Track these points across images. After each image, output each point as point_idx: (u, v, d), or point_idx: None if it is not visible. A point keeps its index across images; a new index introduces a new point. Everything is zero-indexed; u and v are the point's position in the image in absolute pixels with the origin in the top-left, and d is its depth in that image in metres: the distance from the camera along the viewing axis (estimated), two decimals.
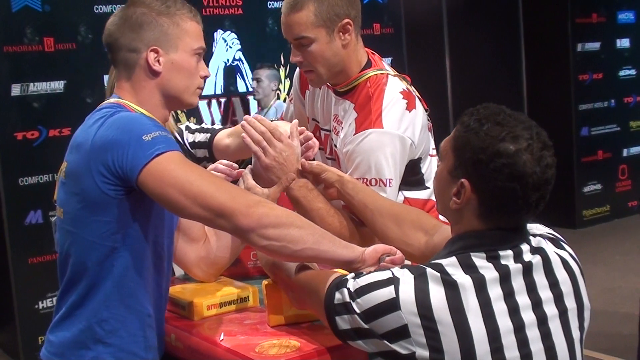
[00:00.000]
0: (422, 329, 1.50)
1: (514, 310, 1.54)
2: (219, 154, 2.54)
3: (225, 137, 2.52)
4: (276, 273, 1.89)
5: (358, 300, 1.57)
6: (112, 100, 1.89)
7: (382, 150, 2.12)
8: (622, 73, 7.83)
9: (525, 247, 1.61)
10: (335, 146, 2.30)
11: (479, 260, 1.56)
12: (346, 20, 2.18)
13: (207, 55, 5.51)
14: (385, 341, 1.54)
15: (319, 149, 2.30)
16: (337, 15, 2.17)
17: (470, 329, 1.50)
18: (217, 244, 2.21)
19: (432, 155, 2.29)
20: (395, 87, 2.21)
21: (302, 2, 2.16)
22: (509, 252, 1.58)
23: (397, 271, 1.58)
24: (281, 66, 5.82)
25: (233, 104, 5.74)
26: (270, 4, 5.69)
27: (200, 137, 2.89)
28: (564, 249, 1.69)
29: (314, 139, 2.20)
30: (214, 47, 5.61)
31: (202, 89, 1.97)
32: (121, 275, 1.80)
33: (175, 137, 2.86)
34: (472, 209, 1.58)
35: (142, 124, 1.76)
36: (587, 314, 1.67)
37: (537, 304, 1.57)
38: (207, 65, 5.67)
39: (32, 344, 4.70)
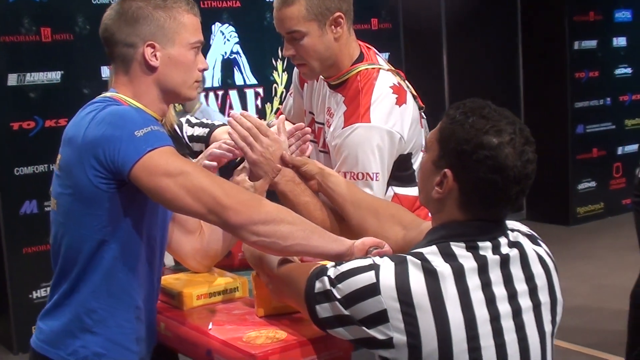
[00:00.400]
0: (401, 314, 1.53)
1: (490, 301, 1.58)
2: None
3: (223, 133, 2.54)
4: (259, 266, 1.92)
5: (339, 285, 1.60)
6: (107, 94, 1.90)
7: (369, 144, 2.14)
8: (618, 71, 7.84)
9: (503, 240, 1.65)
10: (327, 138, 2.32)
11: (459, 250, 1.60)
12: (338, 14, 2.20)
13: (204, 48, 5.54)
14: (364, 327, 1.57)
15: (312, 141, 2.32)
16: (329, 8, 2.19)
17: (447, 315, 1.53)
18: (211, 236, 2.24)
19: (424, 151, 2.30)
20: (385, 81, 2.22)
21: None
22: (488, 244, 1.62)
23: (378, 259, 1.62)
24: (279, 59, 5.84)
25: (230, 97, 5.75)
26: None
27: (199, 131, 2.91)
28: (540, 245, 1.74)
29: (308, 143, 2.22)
30: (211, 40, 5.63)
31: (200, 82, 1.98)
32: (111, 267, 1.81)
33: (175, 129, 2.88)
34: (453, 199, 1.62)
35: (134, 118, 1.76)
36: (559, 309, 1.72)
37: (512, 296, 1.61)
38: (205, 58, 5.71)
39: (26, 334, 4.71)
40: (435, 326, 1.53)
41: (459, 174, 1.59)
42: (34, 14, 4.88)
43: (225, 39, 5.69)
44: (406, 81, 2.32)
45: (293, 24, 2.19)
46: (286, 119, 2.27)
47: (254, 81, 5.84)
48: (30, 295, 4.91)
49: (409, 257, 1.59)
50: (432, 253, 1.59)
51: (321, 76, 2.34)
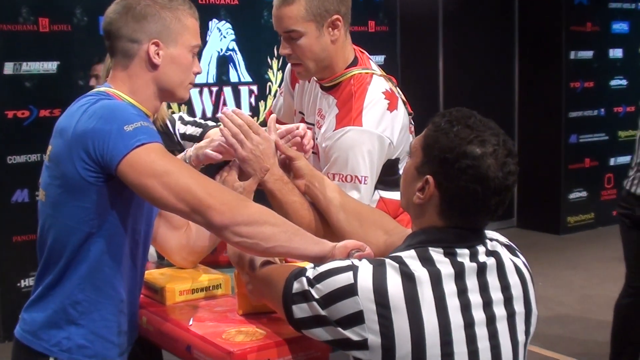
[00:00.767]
0: (377, 315, 1.55)
1: (465, 307, 1.60)
2: None
3: (216, 134, 2.55)
4: (240, 265, 1.93)
5: (317, 285, 1.61)
6: (101, 88, 1.92)
7: (359, 147, 2.16)
8: (613, 83, 7.86)
9: (481, 249, 1.67)
10: (317, 139, 2.34)
11: (437, 255, 1.62)
12: (336, 17, 2.22)
13: (201, 44, 5.55)
14: (339, 328, 1.59)
15: (314, 153, 2.33)
16: (327, 10, 2.21)
17: (422, 319, 1.55)
18: (197, 233, 2.25)
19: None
20: (378, 87, 2.24)
21: None
22: (466, 251, 1.64)
23: (357, 261, 1.64)
24: (274, 58, 5.86)
25: (224, 94, 5.76)
26: None
27: (191, 130, 2.92)
28: (518, 256, 1.76)
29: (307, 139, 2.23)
30: (208, 36, 5.63)
31: (193, 84, 2.01)
32: (97, 260, 1.83)
33: (167, 125, 2.89)
34: (434, 206, 1.64)
35: (125, 113, 1.78)
36: (534, 320, 1.73)
37: (487, 304, 1.63)
38: (201, 54, 5.70)
39: (13, 322, 4.66)
40: (409, 329, 1.54)
41: (441, 182, 1.61)
42: (33, 3, 4.88)
43: (221, 36, 5.69)
44: (397, 87, 2.33)
45: (291, 24, 2.21)
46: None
47: (248, 79, 5.84)
48: (19, 284, 4.91)
49: (387, 260, 1.61)
50: (410, 257, 1.61)
51: (314, 77, 2.36)
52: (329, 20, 2.21)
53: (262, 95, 5.89)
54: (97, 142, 1.74)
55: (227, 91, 5.77)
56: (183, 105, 5.54)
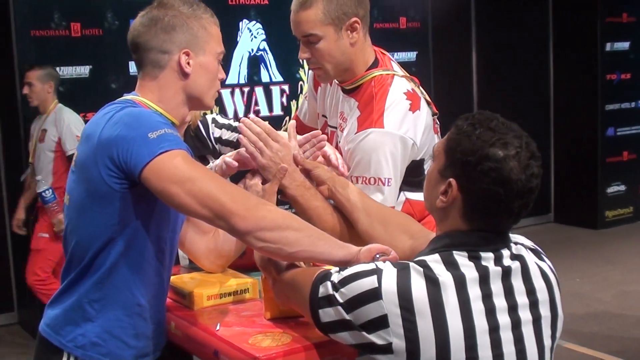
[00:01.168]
0: (401, 319, 1.54)
1: (490, 311, 1.58)
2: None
3: None
4: (265, 269, 1.94)
5: (342, 290, 1.61)
6: (128, 97, 1.94)
7: (382, 149, 2.15)
8: None
9: (506, 252, 1.65)
10: (340, 143, 2.33)
11: (461, 259, 1.61)
12: (354, 19, 2.21)
13: (232, 44, 5.58)
14: (364, 332, 1.58)
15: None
16: (346, 13, 2.20)
17: (447, 323, 1.54)
18: (225, 237, 2.25)
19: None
20: (399, 87, 2.23)
21: (311, 0, 2.19)
22: (490, 255, 1.62)
23: (381, 264, 1.63)
24: None
25: (256, 94, 5.78)
26: None
27: (227, 134, 2.91)
28: (544, 260, 1.74)
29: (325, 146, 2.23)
30: (239, 37, 5.67)
31: (218, 92, 2.04)
32: (117, 264, 1.85)
33: (198, 127, 2.89)
34: (457, 209, 1.63)
35: (149, 120, 1.80)
36: (559, 324, 1.71)
37: (513, 308, 1.61)
38: (232, 55, 5.73)
39: None
40: (434, 333, 1.53)
41: (464, 185, 1.60)
42: (65, 9, 4.95)
43: (252, 36, 5.71)
44: (420, 87, 2.31)
45: (309, 28, 2.20)
46: (297, 125, 2.28)
47: (280, 78, 5.86)
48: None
49: (411, 264, 1.60)
50: (434, 261, 1.60)
51: (335, 80, 2.35)
52: (347, 23, 2.20)
53: (293, 95, 5.90)
54: (121, 149, 1.76)
55: (259, 91, 5.79)
56: (215, 106, 5.57)
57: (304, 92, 5.58)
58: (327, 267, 1.81)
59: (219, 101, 5.60)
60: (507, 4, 7.41)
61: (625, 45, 7.55)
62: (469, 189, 1.60)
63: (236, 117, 5.65)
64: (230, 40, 5.60)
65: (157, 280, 1.95)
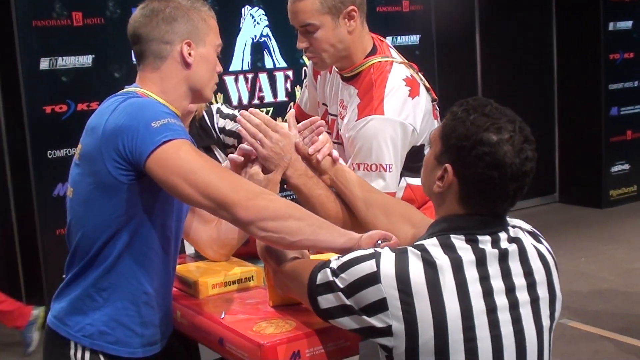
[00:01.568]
0: (400, 302, 1.58)
1: (487, 293, 1.62)
2: None
3: None
4: (267, 259, 1.96)
5: (342, 275, 1.65)
6: (130, 88, 1.96)
7: (382, 136, 2.17)
8: None
9: (503, 235, 1.68)
10: (340, 130, 2.35)
11: (458, 242, 1.64)
12: (351, 7, 2.22)
13: (235, 30, 5.59)
14: (364, 316, 1.62)
15: (327, 132, 2.34)
16: (343, 2, 2.21)
17: (444, 305, 1.57)
18: (227, 226, 2.28)
19: None
20: (398, 74, 2.24)
21: None
22: (487, 238, 1.66)
23: (380, 249, 1.67)
24: None
25: (260, 80, 5.78)
26: None
27: (231, 125, 2.92)
28: (541, 243, 1.77)
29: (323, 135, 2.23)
30: (241, 23, 5.66)
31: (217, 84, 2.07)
32: (123, 253, 1.88)
33: (203, 117, 2.91)
34: (453, 194, 1.67)
35: (153, 110, 1.82)
36: (558, 305, 1.74)
37: (510, 290, 1.65)
38: (235, 41, 5.72)
39: None
40: (432, 315, 1.57)
41: (459, 169, 1.64)
42: None
43: (255, 22, 5.71)
44: (419, 73, 2.33)
45: (307, 17, 2.22)
46: (297, 115, 2.30)
47: (283, 64, 5.86)
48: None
49: (409, 248, 1.64)
50: (432, 245, 1.64)
51: (334, 68, 2.37)
52: (344, 12, 2.22)
53: (297, 80, 5.90)
54: (126, 139, 1.78)
55: (263, 77, 5.79)
56: (219, 93, 5.58)
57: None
58: (329, 256, 1.84)
59: (223, 88, 5.61)
60: None
61: (628, 24, 7.52)
62: (465, 173, 1.63)
63: (240, 104, 5.67)
64: (233, 27, 5.61)
65: (163, 269, 1.98)
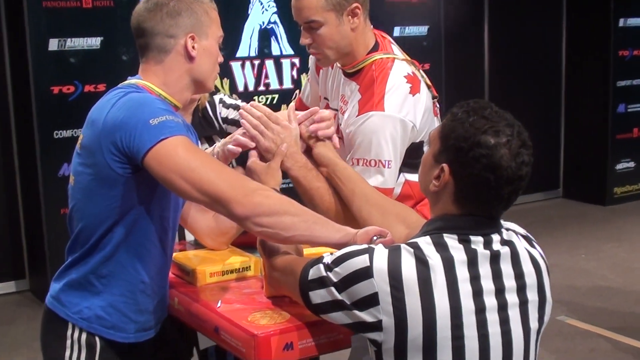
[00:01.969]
0: (391, 297, 1.61)
1: (477, 293, 1.64)
2: None
3: None
4: (262, 254, 1.99)
5: (335, 269, 1.68)
6: (133, 80, 2.00)
7: (382, 132, 2.19)
8: None
9: (496, 237, 1.71)
10: (341, 125, 2.37)
11: (451, 241, 1.67)
12: (355, 5, 2.24)
13: (243, 17, 5.60)
14: (356, 310, 1.65)
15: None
16: None
17: (434, 303, 1.60)
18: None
19: None
20: (400, 71, 2.26)
21: None
22: (480, 239, 1.68)
23: (374, 245, 1.70)
24: None
25: (266, 67, 5.80)
26: None
27: (234, 114, 2.94)
28: (534, 247, 1.79)
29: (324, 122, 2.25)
30: (250, 10, 5.67)
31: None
32: (122, 243, 1.92)
33: (206, 108, 2.93)
34: (449, 193, 1.69)
35: (152, 107, 1.86)
36: (548, 309, 1.77)
37: (500, 291, 1.67)
38: (243, 28, 5.73)
39: None
40: (422, 312, 1.60)
41: (456, 170, 1.66)
42: None
43: (263, 9, 5.72)
44: (420, 70, 2.35)
45: (311, 14, 2.24)
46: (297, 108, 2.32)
47: (290, 51, 5.86)
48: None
49: (403, 245, 1.67)
50: (425, 243, 1.67)
51: (337, 63, 2.39)
52: (348, 9, 2.23)
53: (304, 68, 5.91)
54: (124, 135, 1.82)
55: (269, 64, 5.80)
56: (225, 79, 5.60)
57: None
58: (322, 252, 1.87)
59: (229, 74, 5.63)
60: None
61: (639, 21, 7.49)
62: (461, 174, 1.66)
63: (246, 90, 5.69)
64: (241, 13, 5.62)
65: (160, 258, 2.02)
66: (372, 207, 2.10)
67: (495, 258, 1.68)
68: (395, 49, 2.37)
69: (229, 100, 2.96)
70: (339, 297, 1.67)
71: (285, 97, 5.77)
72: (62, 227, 4.92)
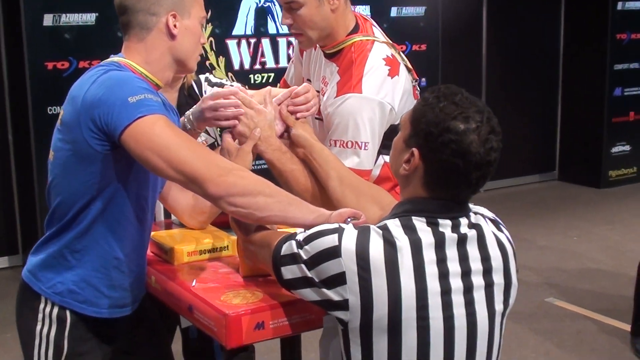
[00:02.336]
0: (358, 277, 1.63)
1: (443, 275, 1.66)
2: None
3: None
4: (236, 229, 2.02)
5: (306, 247, 1.70)
6: (115, 58, 2.01)
7: (359, 114, 2.20)
8: None
9: (464, 221, 1.73)
10: (321, 106, 2.38)
11: (419, 224, 1.69)
12: None
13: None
14: (324, 288, 1.67)
15: (317, 119, 2.38)
16: None
17: (400, 283, 1.62)
18: None
19: None
20: (379, 53, 2.27)
21: None
22: (448, 222, 1.70)
23: (344, 225, 1.72)
24: None
25: (262, 45, 5.79)
26: None
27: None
28: (502, 231, 1.81)
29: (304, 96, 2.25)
30: None
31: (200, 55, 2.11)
32: (98, 219, 1.95)
33: (192, 87, 2.95)
34: (418, 177, 1.71)
35: (131, 85, 1.87)
36: (513, 292, 1.79)
37: (466, 273, 1.69)
38: (239, 6, 5.70)
39: None
40: (387, 292, 1.62)
41: (425, 154, 1.68)
42: None
43: None
44: (401, 54, 2.35)
45: None
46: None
47: (286, 30, 5.80)
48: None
49: (372, 227, 1.69)
50: (394, 225, 1.69)
51: (318, 44, 2.39)
52: None
53: None
54: (102, 112, 1.83)
55: (265, 43, 5.80)
56: (221, 57, 5.60)
57: None
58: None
59: (226, 52, 5.63)
60: None
61: (637, 4, 7.46)
62: (430, 159, 1.67)
63: (242, 68, 5.69)
64: None
65: (137, 235, 2.04)
66: (346, 188, 2.12)
67: (462, 241, 1.70)
68: (377, 31, 2.37)
69: (214, 79, 2.97)
70: (309, 274, 1.69)
71: (280, 75, 5.67)
72: None
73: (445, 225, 1.70)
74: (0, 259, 5.53)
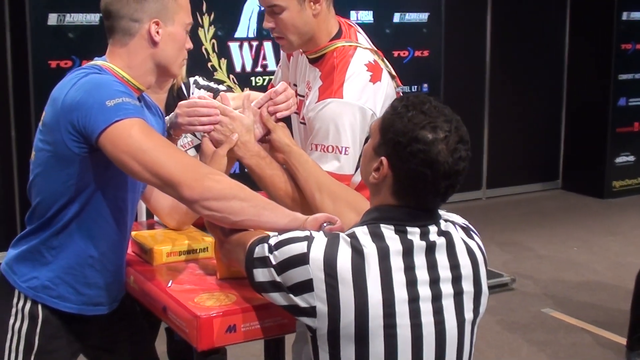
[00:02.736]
0: (325, 285, 1.64)
1: (411, 283, 1.66)
2: None
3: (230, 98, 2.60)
4: (213, 230, 2.03)
5: (275, 252, 1.71)
6: (98, 62, 2.03)
7: (340, 119, 2.20)
8: None
9: (433, 229, 1.73)
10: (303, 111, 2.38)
11: (387, 232, 1.69)
12: None
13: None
14: (291, 294, 1.68)
15: (295, 113, 2.39)
16: None
17: (367, 292, 1.63)
18: None
19: None
20: (361, 59, 2.27)
21: None
22: (417, 230, 1.70)
23: (315, 232, 1.73)
24: None
25: (264, 48, 5.80)
26: None
27: (204, 94, 2.98)
28: (472, 238, 1.80)
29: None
30: None
31: (185, 61, 2.13)
32: (75, 218, 1.97)
33: (181, 89, 2.97)
34: (387, 185, 1.71)
35: (109, 88, 1.89)
36: (484, 300, 1.78)
37: (434, 281, 1.69)
38: (242, 9, 5.70)
39: None
40: (354, 300, 1.62)
41: (394, 163, 1.68)
42: None
43: None
44: (385, 60, 2.36)
45: None
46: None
47: None
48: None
49: (341, 235, 1.70)
50: (362, 232, 1.69)
51: (301, 50, 2.40)
52: None
53: None
54: (80, 115, 1.86)
55: (267, 45, 5.81)
56: (223, 59, 5.61)
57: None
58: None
59: (227, 55, 5.65)
60: None
61: None
62: (399, 167, 1.68)
63: (244, 71, 5.70)
64: None
65: (115, 236, 2.06)
66: (323, 193, 2.12)
67: (430, 249, 1.70)
68: (361, 38, 2.38)
69: (202, 82, 2.99)
70: (277, 279, 1.70)
71: None
72: None
73: (413, 233, 1.70)
74: (1, 254, 5.52)
